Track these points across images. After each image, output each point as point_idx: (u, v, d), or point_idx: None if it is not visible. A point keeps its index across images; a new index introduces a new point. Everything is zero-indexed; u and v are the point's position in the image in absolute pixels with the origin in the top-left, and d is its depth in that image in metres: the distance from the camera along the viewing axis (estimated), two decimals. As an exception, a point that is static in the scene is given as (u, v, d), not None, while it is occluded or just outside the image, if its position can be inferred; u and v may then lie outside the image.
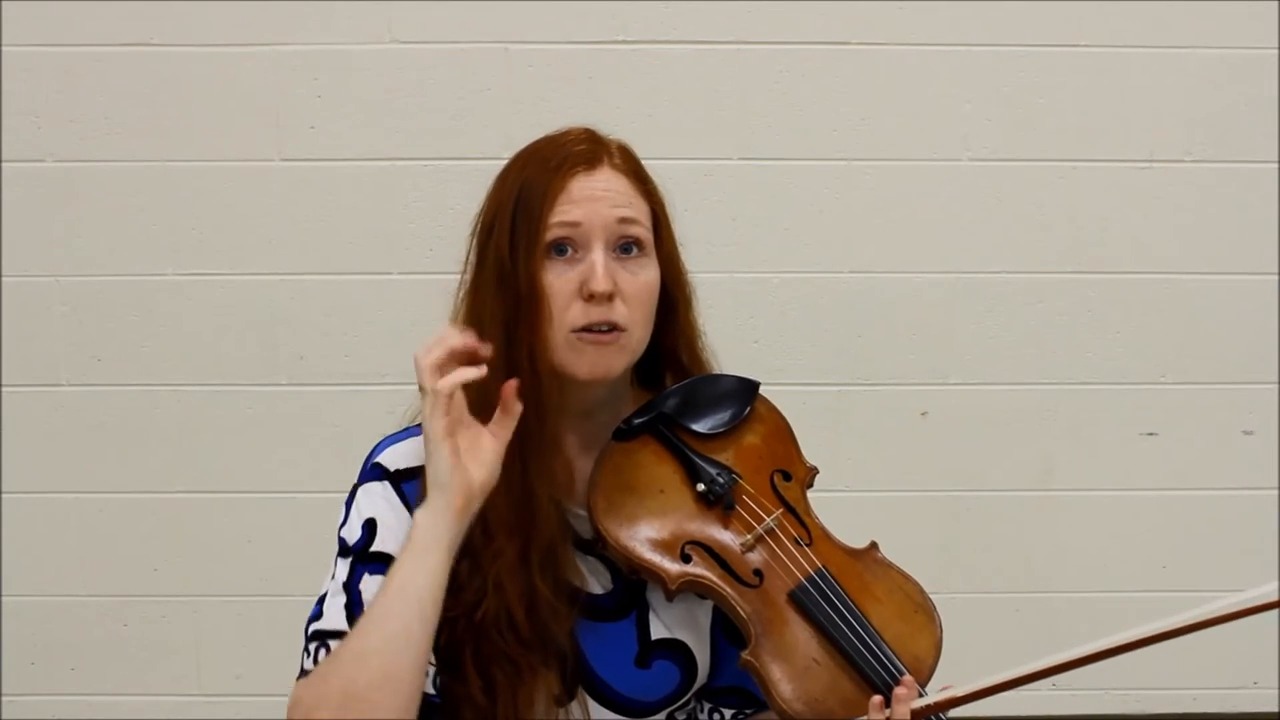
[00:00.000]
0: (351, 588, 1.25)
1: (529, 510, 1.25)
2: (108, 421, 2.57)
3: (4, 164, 2.49)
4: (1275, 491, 2.62)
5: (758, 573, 1.26)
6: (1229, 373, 2.59)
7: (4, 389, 2.56)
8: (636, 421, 1.31)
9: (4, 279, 2.53)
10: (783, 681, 1.22)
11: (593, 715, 1.30)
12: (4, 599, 2.62)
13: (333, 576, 1.28)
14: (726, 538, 1.27)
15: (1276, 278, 2.56)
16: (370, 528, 1.27)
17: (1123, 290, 2.56)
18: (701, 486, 1.29)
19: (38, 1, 2.45)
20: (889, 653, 1.24)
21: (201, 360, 2.55)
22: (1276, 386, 2.60)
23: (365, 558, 1.26)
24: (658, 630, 1.32)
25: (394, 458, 1.31)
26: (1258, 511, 2.63)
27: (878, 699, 1.20)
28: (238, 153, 2.50)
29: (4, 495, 2.59)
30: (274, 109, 2.49)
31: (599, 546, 1.30)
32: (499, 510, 1.24)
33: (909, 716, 1.19)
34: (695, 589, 1.26)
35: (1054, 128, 2.52)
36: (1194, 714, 2.69)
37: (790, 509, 1.31)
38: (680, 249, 1.37)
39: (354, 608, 1.24)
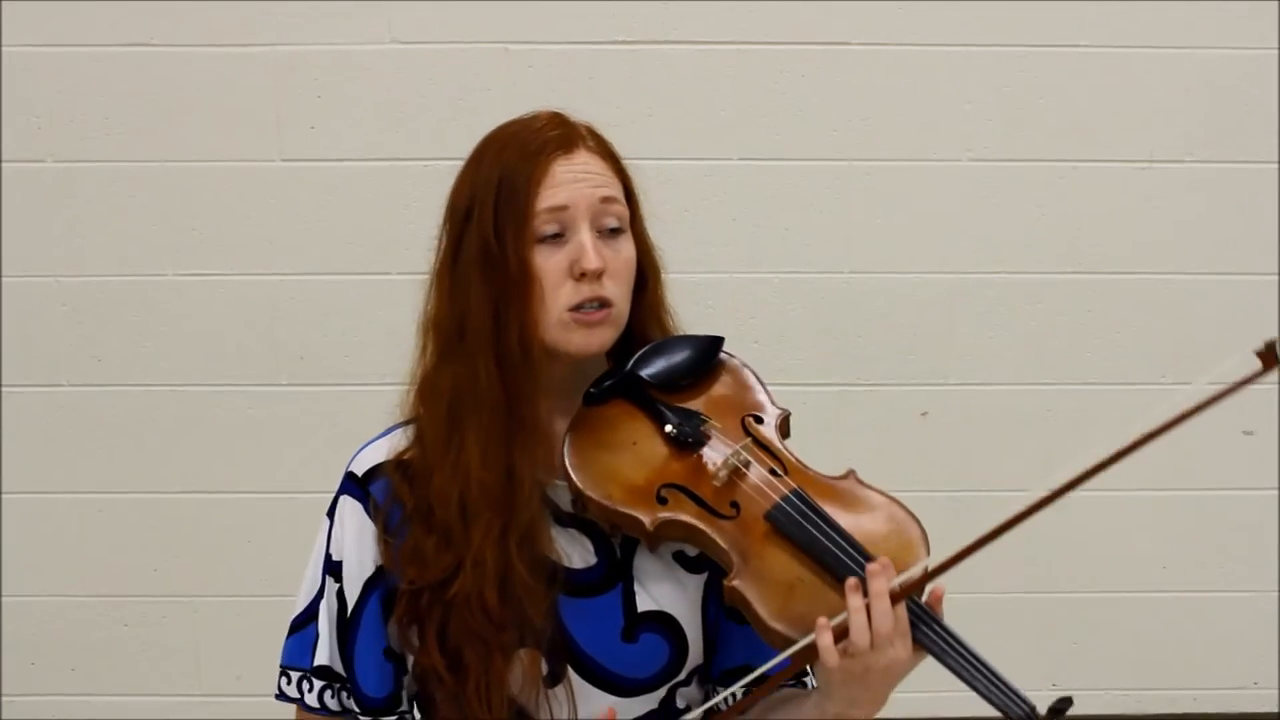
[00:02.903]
0: (338, 625, 1.34)
1: (511, 490, 1.27)
2: (108, 421, 2.57)
3: (4, 164, 2.49)
4: (1275, 491, 2.62)
5: (734, 504, 1.26)
6: (1229, 373, 2.59)
7: (4, 389, 2.56)
8: (606, 384, 1.33)
9: (4, 279, 2.53)
10: (768, 601, 1.20)
11: (583, 694, 1.30)
12: (4, 599, 2.62)
13: (322, 582, 1.35)
14: (700, 476, 1.28)
15: (1276, 278, 2.56)
16: (342, 563, 1.34)
17: (1123, 290, 2.56)
18: (670, 429, 1.30)
19: (38, 1, 2.45)
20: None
21: (201, 360, 2.55)
22: (1276, 386, 2.59)
23: (341, 594, 1.34)
24: (644, 603, 1.32)
25: (365, 459, 1.35)
26: (1258, 511, 2.63)
27: (853, 580, 1.18)
28: (238, 153, 2.50)
29: (4, 495, 2.59)
30: (274, 109, 2.49)
31: (578, 508, 1.31)
32: (482, 488, 1.26)
33: (888, 597, 1.17)
34: (674, 531, 1.26)
35: (1054, 128, 2.52)
36: (1194, 714, 2.69)
37: (763, 445, 1.31)
38: (647, 224, 1.39)
39: (348, 646, 1.33)
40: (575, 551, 1.32)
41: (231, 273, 2.53)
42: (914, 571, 1.20)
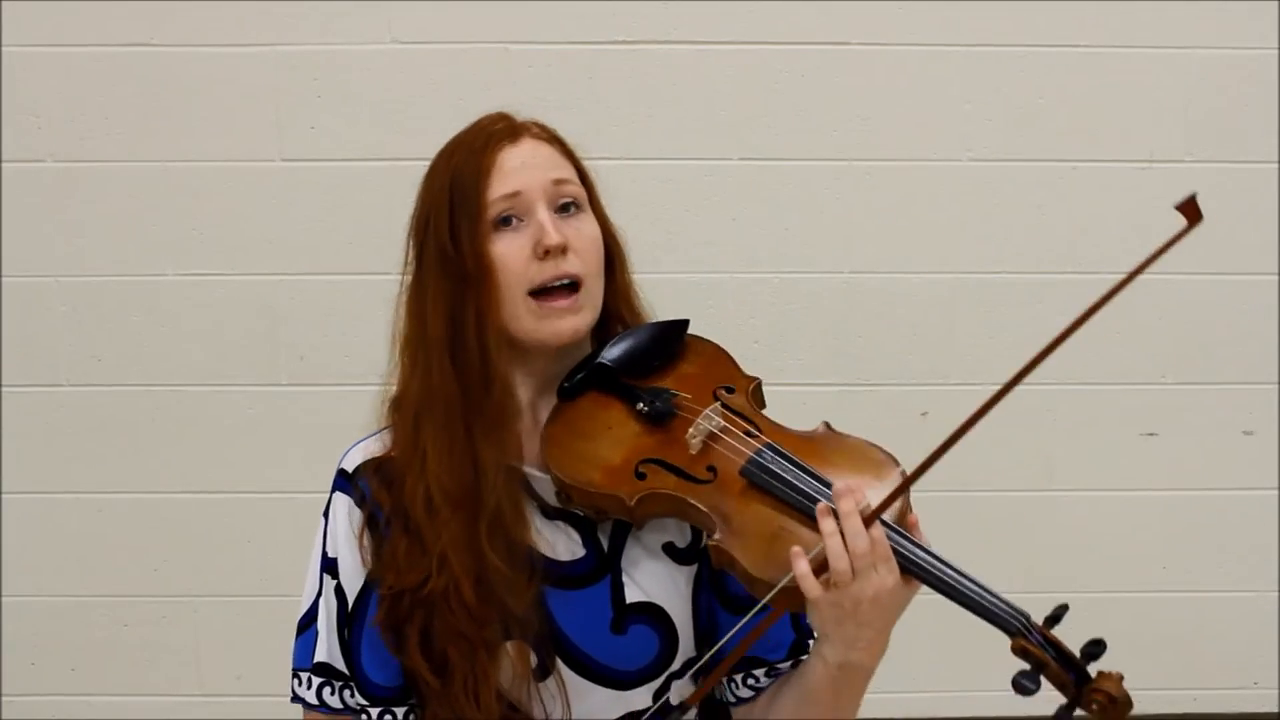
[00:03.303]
0: (338, 621, 1.35)
1: (474, 482, 1.28)
2: (108, 421, 2.57)
3: (4, 164, 2.49)
4: (1275, 491, 2.62)
5: (710, 468, 1.27)
6: (1229, 373, 2.59)
7: (4, 389, 2.56)
8: (578, 378, 1.34)
9: (4, 279, 2.53)
10: (750, 554, 1.20)
11: (575, 688, 1.30)
12: (4, 599, 2.62)
13: (320, 581, 1.36)
14: (675, 446, 1.29)
15: (1276, 278, 2.56)
16: (338, 560, 1.36)
17: (1123, 290, 2.56)
18: (642, 406, 1.31)
19: (38, 1, 2.45)
20: None
21: (201, 360, 2.55)
22: (1276, 386, 2.60)
23: (339, 591, 1.35)
24: (633, 594, 1.32)
25: (353, 457, 1.39)
26: (1258, 511, 2.63)
27: (822, 505, 1.17)
28: (238, 153, 2.50)
29: (4, 495, 2.59)
30: (274, 109, 2.49)
31: (563, 500, 1.32)
32: (443, 484, 1.28)
33: (859, 517, 1.16)
34: (657, 505, 1.27)
35: (1054, 128, 2.52)
36: (1194, 714, 2.69)
37: (735, 411, 1.32)
38: (608, 209, 1.40)
39: (351, 640, 1.33)
40: (562, 544, 1.33)
41: (231, 273, 2.53)
42: (885, 490, 1.20)
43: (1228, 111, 2.52)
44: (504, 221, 1.29)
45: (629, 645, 1.32)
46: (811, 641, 1.33)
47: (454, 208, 1.29)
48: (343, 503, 1.36)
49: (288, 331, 2.55)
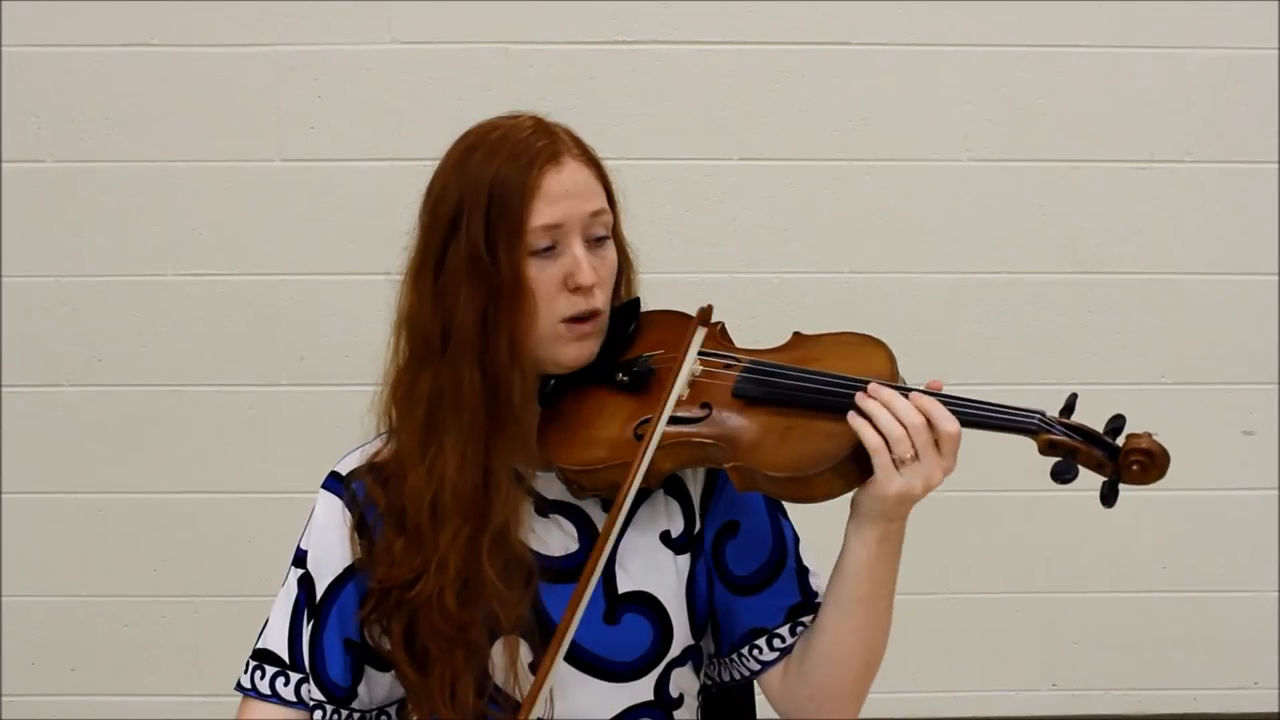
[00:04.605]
0: (296, 612, 1.37)
1: (486, 493, 1.29)
2: (108, 421, 2.57)
3: (4, 164, 2.49)
4: (1275, 491, 2.62)
5: (704, 405, 1.30)
6: (1229, 373, 2.59)
7: (4, 389, 2.56)
8: (551, 384, 1.36)
9: (4, 279, 2.53)
10: (768, 457, 1.24)
11: (569, 681, 1.31)
12: (4, 599, 2.62)
13: (287, 574, 1.39)
14: (665, 398, 1.31)
15: (1276, 278, 2.56)
16: (308, 552, 1.38)
17: (1123, 290, 2.56)
18: (622, 377, 1.34)
19: (38, 1, 2.45)
20: (848, 379, 1.26)
21: (201, 360, 2.55)
22: (1276, 386, 2.60)
23: (304, 580, 1.37)
24: (625, 584, 1.33)
25: (348, 462, 1.40)
26: (1258, 511, 2.63)
27: (863, 391, 1.22)
28: (238, 153, 2.50)
29: (4, 495, 2.59)
30: (274, 109, 2.49)
31: (577, 493, 1.33)
32: (456, 492, 1.28)
33: (898, 393, 1.20)
34: (667, 459, 1.29)
35: (1054, 128, 2.52)
36: (1194, 714, 2.69)
37: (709, 352, 1.35)
38: (630, 222, 1.41)
39: (295, 641, 1.35)
40: (555, 539, 1.34)
41: (231, 273, 2.53)
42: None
43: (1228, 111, 2.52)
44: (540, 249, 1.28)
45: (622, 635, 1.33)
46: (815, 592, 1.37)
47: (492, 217, 1.28)
48: (328, 502, 1.37)
49: (288, 331, 2.55)
